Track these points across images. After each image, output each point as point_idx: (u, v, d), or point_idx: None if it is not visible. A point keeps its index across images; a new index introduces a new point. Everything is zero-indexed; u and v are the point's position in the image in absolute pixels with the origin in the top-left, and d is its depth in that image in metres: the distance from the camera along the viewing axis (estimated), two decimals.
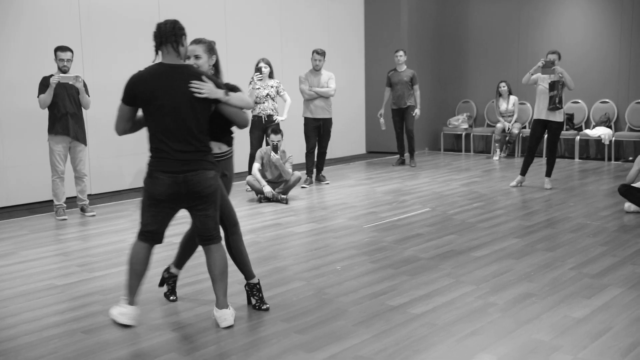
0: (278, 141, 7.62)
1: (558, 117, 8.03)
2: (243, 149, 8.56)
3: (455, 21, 12.59)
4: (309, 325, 3.86)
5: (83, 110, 7.13)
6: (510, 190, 8.24)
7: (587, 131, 10.72)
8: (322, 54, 8.90)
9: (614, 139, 10.54)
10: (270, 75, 8.34)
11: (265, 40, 10.25)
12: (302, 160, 9.42)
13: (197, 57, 3.99)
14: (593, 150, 11.11)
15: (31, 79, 7.31)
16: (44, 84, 6.84)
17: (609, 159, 10.62)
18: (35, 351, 3.57)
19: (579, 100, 11.07)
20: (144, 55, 8.72)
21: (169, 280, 4.41)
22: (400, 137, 10.64)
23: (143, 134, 3.85)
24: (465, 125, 12.15)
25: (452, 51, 12.70)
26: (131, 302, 3.73)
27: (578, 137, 10.82)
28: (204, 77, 3.69)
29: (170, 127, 3.63)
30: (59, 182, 7.04)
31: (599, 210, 6.87)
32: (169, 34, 3.73)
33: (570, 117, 10.85)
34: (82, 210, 7.25)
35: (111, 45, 8.49)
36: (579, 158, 10.94)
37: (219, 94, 3.71)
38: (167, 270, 4.44)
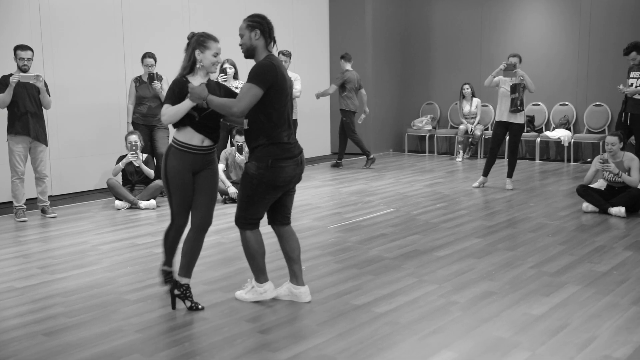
0: (243, 142, 7.60)
1: (519, 119, 8.18)
2: None
3: (419, 24, 12.72)
4: (273, 325, 3.87)
5: (44, 109, 7.02)
6: (473, 191, 8.37)
7: (547, 133, 10.94)
8: (287, 55, 8.92)
9: (573, 140, 10.78)
10: (235, 77, 8.32)
11: (229, 41, 10.19)
12: None
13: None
14: (553, 152, 11.35)
15: None
16: (3, 83, 6.71)
17: (569, 160, 10.85)
18: None
19: (540, 103, 11.29)
20: (106, 55, 8.71)
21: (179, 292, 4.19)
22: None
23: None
24: (429, 127, 12.29)
25: (416, 53, 12.83)
26: (266, 278, 4.19)
27: (538, 139, 11.03)
28: None
29: (288, 115, 3.98)
30: (19, 183, 6.91)
31: (558, 210, 7.03)
32: (272, 28, 4.05)
33: (530, 119, 11.06)
34: (43, 211, 7.13)
35: (72, 44, 8.37)
36: (540, 159, 11.16)
37: None
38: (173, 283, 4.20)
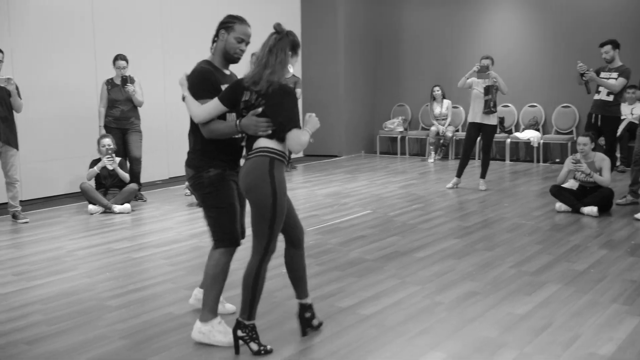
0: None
1: (492, 120, 8.30)
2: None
3: (391, 26, 12.81)
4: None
5: (14, 113, 6.87)
6: (447, 191, 8.45)
7: (517, 134, 11.11)
8: None
9: (542, 141, 10.96)
10: None
11: (202, 42, 10.11)
12: None
13: None
14: (523, 153, 11.53)
15: None
16: None
17: (538, 161, 11.04)
18: None
19: (509, 104, 11.46)
20: (77, 57, 8.55)
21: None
22: None
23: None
24: (401, 129, 12.37)
25: (388, 55, 12.91)
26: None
27: (509, 140, 11.19)
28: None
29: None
30: None
31: (532, 210, 7.13)
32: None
33: (501, 121, 11.20)
34: (14, 217, 6.97)
35: (42, 46, 8.21)
36: (510, 160, 11.32)
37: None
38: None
